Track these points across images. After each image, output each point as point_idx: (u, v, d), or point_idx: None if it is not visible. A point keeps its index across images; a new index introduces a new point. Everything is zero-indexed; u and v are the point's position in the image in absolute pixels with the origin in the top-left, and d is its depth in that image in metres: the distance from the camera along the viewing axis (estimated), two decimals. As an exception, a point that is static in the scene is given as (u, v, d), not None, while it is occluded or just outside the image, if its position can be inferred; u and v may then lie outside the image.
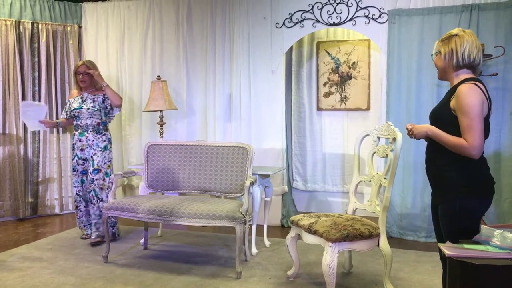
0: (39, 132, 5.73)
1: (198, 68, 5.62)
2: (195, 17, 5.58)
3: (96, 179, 4.59)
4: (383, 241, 3.31)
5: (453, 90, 2.44)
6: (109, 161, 4.70)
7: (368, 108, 5.65)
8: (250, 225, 4.30)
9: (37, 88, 5.74)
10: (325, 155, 5.87)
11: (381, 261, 3.81)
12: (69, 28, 5.95)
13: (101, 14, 5.97)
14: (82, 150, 4.63)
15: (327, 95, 5.83)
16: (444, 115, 2.43)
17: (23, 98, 5.61)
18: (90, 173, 4.59)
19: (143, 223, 4.49)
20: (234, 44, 5.39)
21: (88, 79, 4.69)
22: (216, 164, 4.31)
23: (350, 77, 5.73)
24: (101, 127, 4.67)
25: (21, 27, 5.63)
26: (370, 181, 3.62)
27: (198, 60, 5.61)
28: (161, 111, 5.06)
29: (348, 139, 5.74)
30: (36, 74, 5.73)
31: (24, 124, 5.52)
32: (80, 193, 4.71)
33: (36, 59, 5.72)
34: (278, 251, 4.40)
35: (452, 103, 2.39)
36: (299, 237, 3.56)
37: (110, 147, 4.73)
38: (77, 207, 4.76)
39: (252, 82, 5.35)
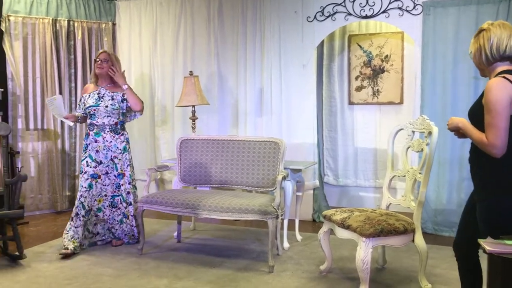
0: (75, 127, 5.88)
1: (229, 63, 5.64)
2: (226, 13, 5.61)
3: (122, 184, 4.35)
4: (419, 236, 3.26)
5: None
6: (130, 163, 4.42)
7: (401, 102, 5.56)
8: (282, 220, 4.31)
9: (73, 84, 5.89)
10: (357, 150, 5.81)
11: (415, 257, 3.76)
12: (103, 25, 6.08)
13: (134, 11, 6.06)
14: (97, 151, 4.29)
15: (359, 89, 5.76)
16: (477, 112, 2.36)
17: (60, 95, 5.76)
18: (115, 177, 4.34)
19: (176, 217, 4.55)
20: (265, 39, 5.39)
21: (107, 67, 4.29)
22: (248, 158, 4.33)
23: (382, 71, 5.64)
24: (118, 126, 4.35)
25: (57, 25, 5.77)
26: (404, 175, 3.57)
27: (229, 55, 5.64)
28: (193, 106, 5.11)
29: (381, 133, 5.67)
30: (73, 71, 5.88)
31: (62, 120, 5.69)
32: (82, 199, 4.26)
33: (72, 56, 5.87)
34: (310, 246, 4.39)
35: (483, 100, 2.32)
36: (331, 232, 3.54)
37: (129, 148, 4.43)
38: (77, 214, 4.25)
39: (283, 76, 5.34)
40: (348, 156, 5.86)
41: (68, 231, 4.24)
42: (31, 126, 5.70)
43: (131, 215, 4.39)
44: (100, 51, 4.41)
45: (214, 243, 4.52)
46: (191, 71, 5.20)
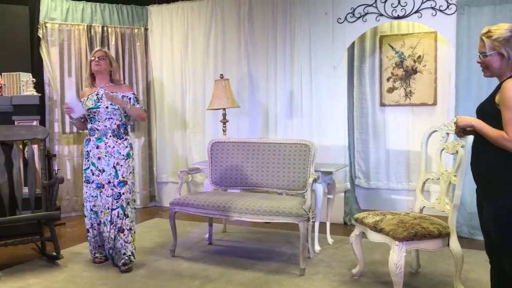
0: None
1: (259, 66, 5.66)
2: (256, 16, 5.63)
3: (123, 193, 3.89)
4: (454, 240, 3.19)
5: (499, 86, 2.44)
6: (133, 170, 4.02)
7: (434, 103, 5.45)
8: (313, 222, 4.28)
9: (107, 88, 6.02)
10: (389, 152, 5.73)
11: (450, 261, 3.68)
12: (136, 30, 6.20)
13: (166, 16, 6.16)
14: (99, 158, 3.90)
15: (391, 90, 5.69)
16: (489, 110, 2.43)
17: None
18: (115, 186, 3.88)
19: (207, 219, 4.59)
20: (295, 41, 5.39)
21: (105, 65, 3.93)
22: (279, 161, 4.33)
23: (415, 71, 5.55)
24: (121, 130, 3.94)
25: (92, 31, 5.93)
26: (438, 178, 3.50)
27: (259, 58, 5.66)
28: (224, 109, 5.15)
29: (413, 135, 5.57)
30: (106, 75, 6.01)
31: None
32: (95, 209, 3.95)
33: (106, 61, 6.00)
34: (342, 249, 4.35)
35: (497, 98, 2.39)
36: (363, 235, 3.51)
37: (133, 154, 4.04)
38: (91, 225, 4.00)
39: (313, 78, 5.32)
40: (380, 159, 5.78)
41: (92, 246, 4.07)
42: (67, 129, 5.85)
43: (127, 229, 3.90)
44: (96, 49, 4.09)
45: (245, 246, 4.54)
46: (221, 74, 5.24)
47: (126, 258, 3.88)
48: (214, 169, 4.60)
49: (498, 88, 2.44)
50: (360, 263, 3.62)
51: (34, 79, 5.30)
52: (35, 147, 4.89)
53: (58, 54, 5.76)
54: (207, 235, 4.67)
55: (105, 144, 3.90)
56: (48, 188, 4.25)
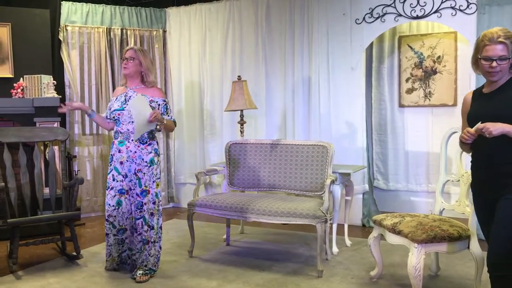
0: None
1: (277, 67, 5.66)
2: (273, 17, 5.63)
3: (145, 203, 3.69)
4: (474, 243, 3.14)
5: (506, 88, 2.48)
6: (158, 178, 3.76)
7: (454, 104, 5.38)
8: (331, 224, 4.26)
9: (126, 90, 6.09)
10: (408, 153, 5.67)
11: (470, 264, 3.62)
12: (154, 32, 6.25)
13: (184, 18, 6.21)
14: (121, 163, 3.70)
15: (410, 91, 5.63)
16: None
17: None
18: (138, 195, 3.69)
19: (225, 220, 4.60)
20: (312, 42, 5.37)
21: (134, 66, 3.71)
22: (296, 162, 4.32)
23: (435, 72, 5.49)
24: (145, 134, 3.70)
25: (111, 33, 6.00)
26: (458, 180, 3.46)
27: (276, 59, 5.66)
28: (241, 110, 5.16)
29: (433, 137, 5.50)
30: (125, 77, 6.08)
31: None
32: (110, 219, 3.77)
33: (125, 63, 6.07)
34: (360, 251, 4.32)
35: None
36: (382, 237, 3.48)
37: (158, 161, 3.77)
38: (107, 234, 3.82)
39: (331, 79, 5.30)
40: (399, 160, 5.72)
41: (109, 252, 3.88)
42: (87, 131, 5.94)
43: (151, 241, 3.72)
44: (126, 48, 3.84)
45: (263, 247, 4.54)
46: (239, 76, 5.25)
47: (147, 270, 3.72)
48: (231, 171, 4.61)
49: (508, 90, 2.48)
50: (378, 265, 3.59)
51: (55, 81, 5.38)
52: (56, 148, 4.97)
53: (78, 56, 5.84)
54: (224, 236, 4.68)
55: (127, 148, 3.68)
56: (68, 188, 4.31)
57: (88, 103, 5.90)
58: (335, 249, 4.29)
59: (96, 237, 4.98)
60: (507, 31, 2.48)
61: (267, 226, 5.22)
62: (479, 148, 2.62)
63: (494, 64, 2.48)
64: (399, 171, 5.73)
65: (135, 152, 3.69)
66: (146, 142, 3.71)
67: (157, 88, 3.88)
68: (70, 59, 5.82)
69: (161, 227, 3.82)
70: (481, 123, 2.45)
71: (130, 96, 3.72)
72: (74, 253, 4.15)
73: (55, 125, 5.18)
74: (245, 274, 3.80)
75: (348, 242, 4.50)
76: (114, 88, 5.97)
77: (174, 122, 3.88)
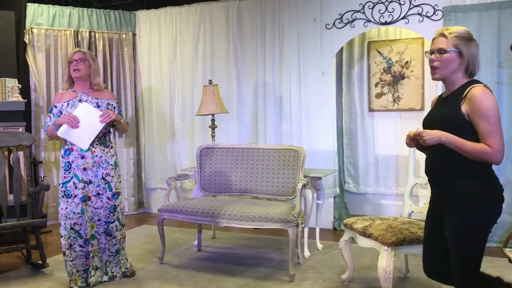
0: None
1: (248, 71, 5.66)
2: (245, 21, 5.64)
3: (118, 205, 3.72)
4: (442, 245, 3.19)
5: (458, 94, 2.28)
6: (120, 179, 3.86)
7: (422, 108, 5.48)
8: (303, 228, 4.28)
9: (94, 94, 5.98)
10: (378, 157, 5.75)
11: (439, 266, 3.68)
12: (124, 35, 6.16)
13: (154, 21, 6.14)
14: (84, 169, 3.58)
15: (379, 95, 5.71)
16: (458, 121, 2.24)
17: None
18: (109, 198, 3.66)
19: (196, 225, 4.56)
20: (284, 47, 5.39)
21: (85, 69, 3.60)
22: (268, 166, 4.32)
23: (403, 77, 5.59)
24: (107, 138, 3.72)
25: (79, 36, 5.88)
26: (426, 183, 3.50)
27: (248, 63, 5.66)
28: (212, 114, 5.13)
29: (402, 140, 5.54)
30: (94, 81, 5.96)
31: None
32: (76, 227, 3.58)
33: (94, 67, 5.96)
34: (331, 255, 4.35)
35: (465, 108, 2.23)
36: (352, 240, 3.50)
37: (118, 162, 3.82)
38: (70, 245, 3.59)
39: (302, 84, 5.33)
40: (369, 163, 5.79)
41: (70, 269, 3.61)
42: (54, 136, 5.78)
43: (123, 237, 3.81)
44: (74, 50, 3.72)
45: (235, 252, 4.51)
46: (210, 80, 5.23)
47: (129, 264, 3.88)
48: (203, 175, 4.57)
49: (458, 96, 2.28)
50: (349, 268, 3.61)
51: (19, 85, 5.24)
52: (21, 153, 4.82)
53: (44, 59, 5.70)
54: (196, 242, 4.64)
55: (92, 154, 3.60)
56: (33, 195, 4.19)
57: (55, 107, 5.75)
58: (306, 253, 4.30)
59: (63, 244, 4.85)
60: (452, 27, 2.35)
61: (239, 231, 5.20)
62: (427, 154, 2.49)
63: (432, 56, 2.34)
64: (369, 174, 5.80)
65: (101, 156, 3.64)
66: (108, 146, 3.71)
67: (108, 91, 3.90)
68: (36, 62, 5.67)
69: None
70: (418, 129, 2.33)
71: (85, 100, 3.62)
72: (40, 262, 4.04)
73: (20, 130, 5.04)
74: (217, 280, 3.77)
75: (319, 245, 4.52)
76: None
77: (127, 123, 3.88)
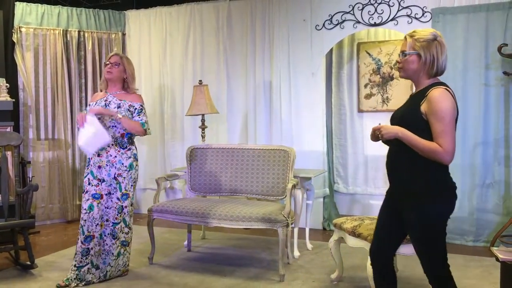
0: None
1: (238, 72, 5.67)
2: (235, 21, 5.64)
3: (126, 207, 3.75)
4: (430, 245, 3.23)
5: (421, 94, 2.37)
6: (135, 182, 3.83)
7: (411, 109, 5.53)
8: (292, 228, 4.29)
9: (83, 94, 5.95)
10: (367, 157, 5.79)
11: (427, 265, 3.71)
12: (113, 35, 6.14)
13: (144, 21, 6.12)
14: (99, 167, 3.70)
15: (368, 96, 5.75)
16: (415, 119, 2.34)
17: (71, 105, 5.83)
18: (119, 199, 3.72)
19: (186, 226, 4.55)
20: (274, 47, 5.41)
21: (118, 72, 3.76)
22: (258, 167, 4.33)
23: (391, 78, 5.63)
24: (125, 139, 3.75)
25: (68, 35, 5.84)
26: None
27: (238, 63, 5.66)
28: (202, 115, 5.13)
29: (391, 141, 5.63)
30: (83, 81, 5.94)
31: (72, 130, 5.77)
32: (81, 222, 3.67)
33: (83, 67, 5.93)
34: (321, 254, 4.37)
35: (424, 108, 2.32)
36: (342, 240, 3.52)
37: (136, 165, 3.81)
38: (78, 239, 3.71)
39: (292, 84, 5.35)
40: (358, 164, 5.83)
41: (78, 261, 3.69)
42: (42, 136, 5.75)
43: (128, 242, 3.83)
44: (112, 53, 3.92)
45: (225, 252, 4.51)
46: (200, 80, 5.22)
47: (122, 266, 3.85)
48: (193, 176, 4.57)
49: (420, 95, 2.36)
50: (339, 268, 3.64)
51: (8, 84, 5.20)
52: (9, 153, 4.78)
53: (33, 59, 5.66)
54: (186, 242, 4.63)
55: (107, 153, 3.70)
56: (22, 195, 4.16)
57: (43, 107, 5.72)
58: (296, 253, 4.32)
59: (52, 245, 4.82)
60: (417, 31, 2.44)
61: (229, 231, 5.20)
62: (388, 149, 2.58)
63: (397, 58, 2.48)
64: (358, 175, 5.84)
65: (115, 156, 3.72)
66: (126, 147, 3.76)
67: (137, 95, 3.89)
68: (25, 61, 5.62)
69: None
70: (379, 124, 2.44)
71: (110, 101, 3.74)
72: (28, 263, 4.00)
73: (8, 129, 5.00)
74: (207, 280, 3.77)
75: (309, 245, 4.54)
76: (71, 91, 5.83)
77: (142, 125, 3.74)
